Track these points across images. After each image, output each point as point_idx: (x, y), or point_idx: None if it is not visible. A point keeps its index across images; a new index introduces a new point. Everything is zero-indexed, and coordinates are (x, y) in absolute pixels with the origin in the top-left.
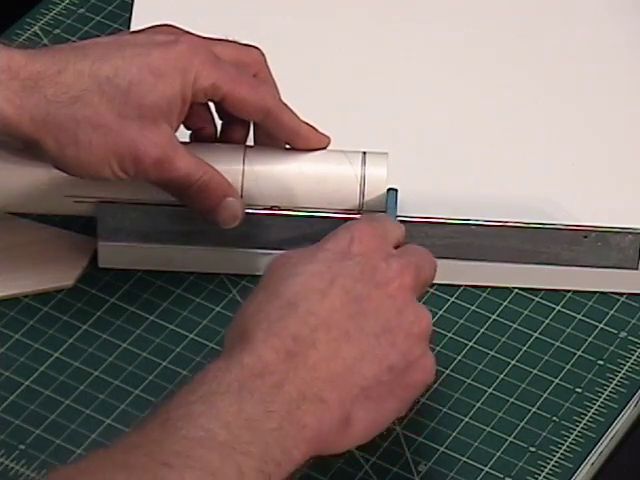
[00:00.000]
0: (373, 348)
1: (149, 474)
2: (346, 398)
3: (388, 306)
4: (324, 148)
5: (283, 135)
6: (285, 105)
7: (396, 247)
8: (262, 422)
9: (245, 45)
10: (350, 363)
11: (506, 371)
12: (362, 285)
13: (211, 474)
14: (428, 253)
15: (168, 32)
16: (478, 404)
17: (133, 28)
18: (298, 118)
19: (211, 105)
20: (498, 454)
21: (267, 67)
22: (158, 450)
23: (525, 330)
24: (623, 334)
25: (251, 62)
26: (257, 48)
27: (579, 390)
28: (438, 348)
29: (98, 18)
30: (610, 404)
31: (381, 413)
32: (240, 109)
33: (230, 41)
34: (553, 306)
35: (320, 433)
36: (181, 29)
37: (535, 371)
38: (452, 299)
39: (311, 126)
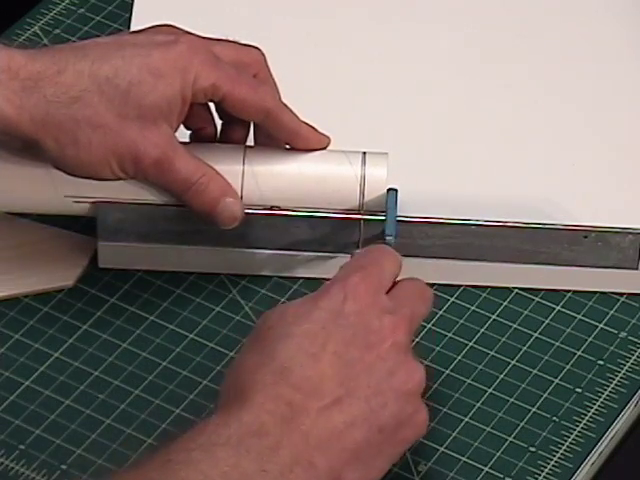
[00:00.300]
0: (364, 412)
1: None
2: (336, 463)
3: (380, 368)
4: (324, 148)
5: (283, 135)
6: (285, 105)
7: (393, 284)
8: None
9: (245, 45)
10: (341, 428)
11: (506, 371)
12: (354, 348)
13: None
14: (423, 288)
15: (168, 32)
16: (478, 404)
17: (133, 28)
18: (298, 118)
19: (211, 105)
20: (498, 454)
21: (267, 67)
22: None
23: (525, 330)
24: (623, 334)
25: (251, 62)
26: (257, 48)
27: (579, 390)
28: (438, 348)
29: (98, 18)
30: (610, 404)
31: (371, 472)
32: (240, 109)
33: (230, 41)
34: (553, 306)
35: None
36: (181, 29)
37: (535, 371)
38: (452, 299)
39: (311, 126)
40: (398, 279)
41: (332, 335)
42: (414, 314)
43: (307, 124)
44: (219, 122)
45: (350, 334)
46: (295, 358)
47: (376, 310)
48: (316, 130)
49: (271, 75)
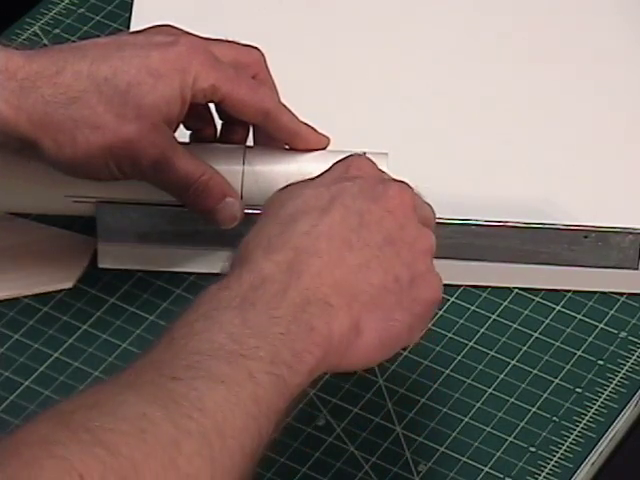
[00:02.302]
0: (377, 258)
1: (158, 388)
2: (353, 303)
3: (389, 219)
4: (324, 148)
5: (282, 136)
6: (284, 106)
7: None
8: (268, 328)
9: (244, 45)
10: (355, 269)
11: (506, 371)
12: (361, 201)
13: (221, 382)
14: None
15: (168, 33)
16: (478, 404)
17: (133, 28)
18: (297, 119)
19: (211, 106)
20: (498, 454)
21: (266, 68)
22: (166, 367)
23: (525, 330)
24: (623, 334)
25: (250, 63)
26: (256, 48)
27: (579, 390)
28: (438, 348)
29: (98, 18)
30: (610, 404)
31: (391, 324)
32: (239, 111)
33: (229, 41)
34: (553, 306)
35: (330, 337)
36: (181, 30)
37: (535, 371)
38: (452, 299)
39: (310, 126)
40: None
41: (338, 192)
42: (418, 199)
43: (306, 124)
44: (219, 122)
45: (357, 190)
46: (301, 210)
47: (379, 178)
48: (315, 130)
49: (270, 76)
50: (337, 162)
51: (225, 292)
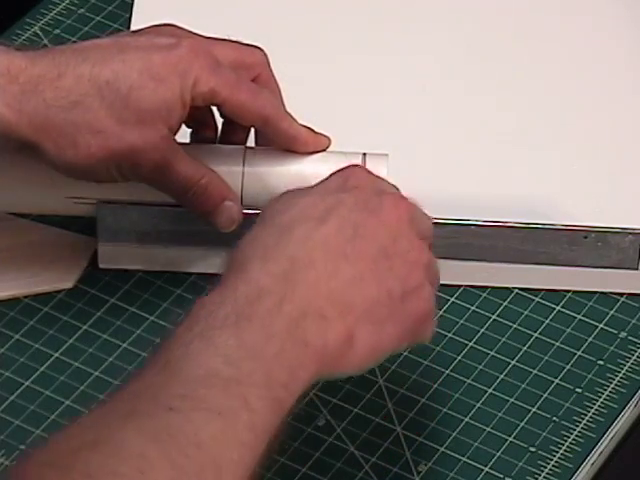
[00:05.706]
0: (371, 271)
1: (155, 420)
2: (347, 315)
3: (384, 233)
4: (324, 150)
5: (282, 141)
6: (285, 111)
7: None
8: (263, 349)
9: (248, 46)
10: (350, 281)
11: (506, 371)
12: (357, 213)
13: (217, 413)
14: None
15: (170, 34)
16: (478, 404)
17: (133, 28)
18: (297, 123)
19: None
20: (498, 454)
21: (269, 68)
22: (162, 394)
23: (525, 330)
24: (623, 334)
25: (253, 63)
26: (260, 49)
27: (579, 390)
28: (438, 348)
29: (98, 18)
30: (610, 404)
31: (382, 337)
32: (238, 115)
33: (232, 42)
34: (553, 306)
35: (324, 350)
36: (183, 29)
37: (535, 371)
38: (452, 299)
39: (310, 129)
40: None
41: (334, 203)
42: (414, 209)
43: (306, 127)
44: (220, 120)
45: (352, 202)
46: (296, 220)
47: (376, 189)
48: (315, 133)
49: (273, 76)
50: (336, 172)
51: (221, 307)
